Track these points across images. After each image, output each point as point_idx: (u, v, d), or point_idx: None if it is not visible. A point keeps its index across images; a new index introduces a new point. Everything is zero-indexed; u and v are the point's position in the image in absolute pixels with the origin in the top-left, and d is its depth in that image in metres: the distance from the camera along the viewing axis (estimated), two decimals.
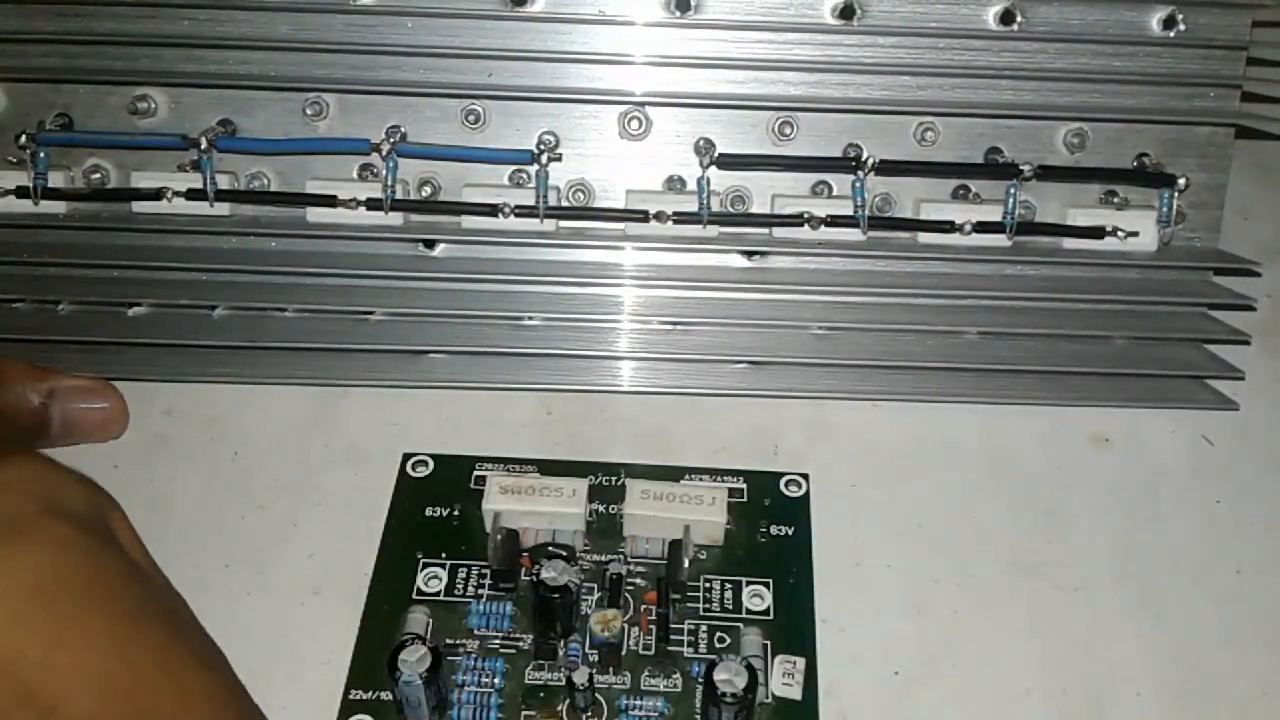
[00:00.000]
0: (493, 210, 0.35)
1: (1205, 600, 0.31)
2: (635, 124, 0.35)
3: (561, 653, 0.28)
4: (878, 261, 0.36)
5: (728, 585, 0.30)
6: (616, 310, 0.36)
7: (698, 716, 0.27)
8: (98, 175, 0.36)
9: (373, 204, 0.35)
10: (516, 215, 0.35)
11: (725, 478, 0.32)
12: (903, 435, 0.35)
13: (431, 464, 0.33)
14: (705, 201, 0.35)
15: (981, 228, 0.35)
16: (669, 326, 0.36)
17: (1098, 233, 0.36)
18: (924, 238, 0.36)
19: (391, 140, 0.34)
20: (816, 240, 0.35)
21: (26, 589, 0.20)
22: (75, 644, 0.20)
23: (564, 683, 0.27)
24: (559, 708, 0.27)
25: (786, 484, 0.32)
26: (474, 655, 0.28)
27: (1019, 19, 0.34)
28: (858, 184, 0.35)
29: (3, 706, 0.19)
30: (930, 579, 0.31)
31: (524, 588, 0.29)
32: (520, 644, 0.28)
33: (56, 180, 0.35)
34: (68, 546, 0.21)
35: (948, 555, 0.32)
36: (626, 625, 0.29)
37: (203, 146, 0.34)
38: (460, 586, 0.30)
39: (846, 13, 0.34)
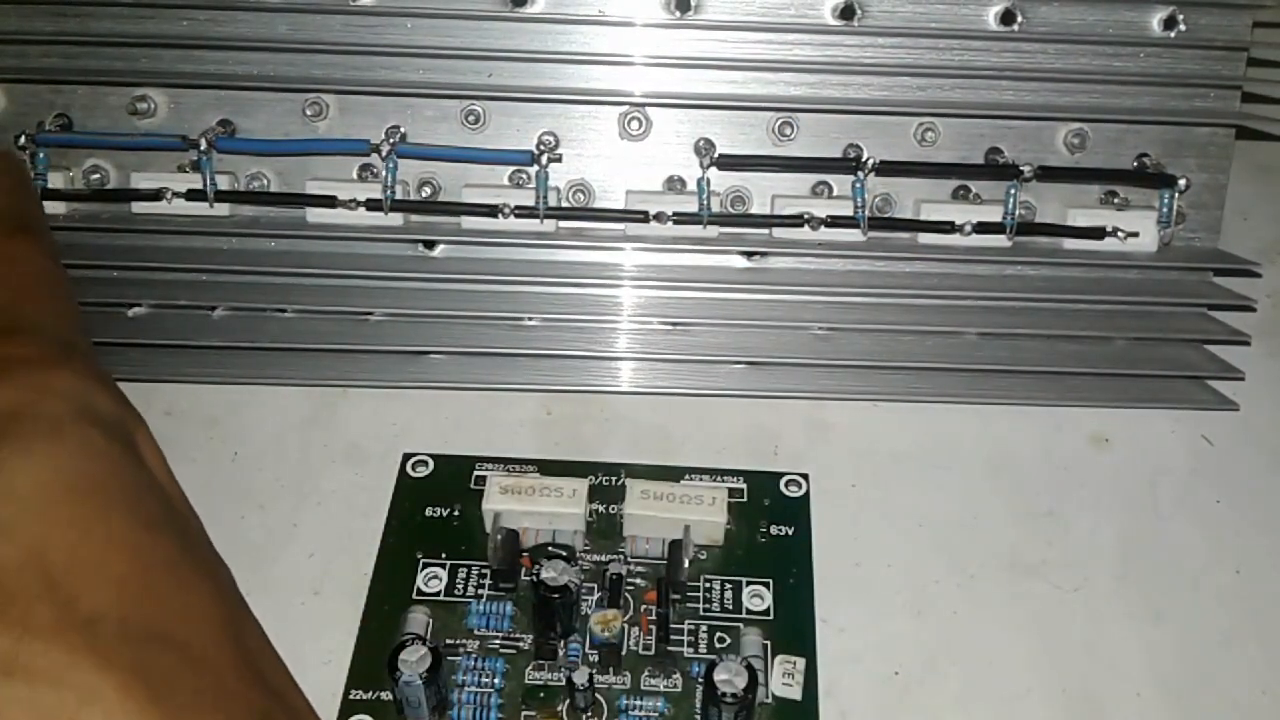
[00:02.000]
0: (492, 211, 0.35)
1: (1205, 600, 0.31)
2: (635, 124, 0.35)
3: (561, 653, 0.28)
4: (878, 262, 0.36)
5: (728, 585, 0.30)
6: (616, 311, 0.36)
7: (698, 716, 0.27)
8: (97, 176, 0.36)
9: (372, 204, 0.35)
10: (516, 216, 0.35)
11: (725, 478, 0.32)
12: (903, 435, 0.35)
13: (431, 464, 0.33)
14: (705, 202, 0.35)
15: (981, 228, 0.35)
16: (669, 327, 0.36)
17: (1098, 233, 0.36)
18: (924, 238, 0.36)
19: (391, 141, 0.34)
20: (816, 241, 0.35)
21: (58, 486, 0.21)
22: (99, 543, 0.20)
23: (564, 683, 0.27)
24: (559, 708, 0.27)
25: (786, 484, 0.32)
26: (474, 655, 0.28)
27: (1019, 19, 0.34)
28: (858, 184, 0.35)
29: (29, 593, 0.19)
30: (930, 579, 0.31)
31: (524, 588, 0.29)
32: (520, 644, 0.28)
33: (56, 181, 0.35)
34: (97, 452, 0.22)
35: (948, 555, 0.32)
36: (626, 625, 0.29)
37: (202, 147, 0.34)
38: (460, 586, 0.30)
39: (846, 13, 0.34)
